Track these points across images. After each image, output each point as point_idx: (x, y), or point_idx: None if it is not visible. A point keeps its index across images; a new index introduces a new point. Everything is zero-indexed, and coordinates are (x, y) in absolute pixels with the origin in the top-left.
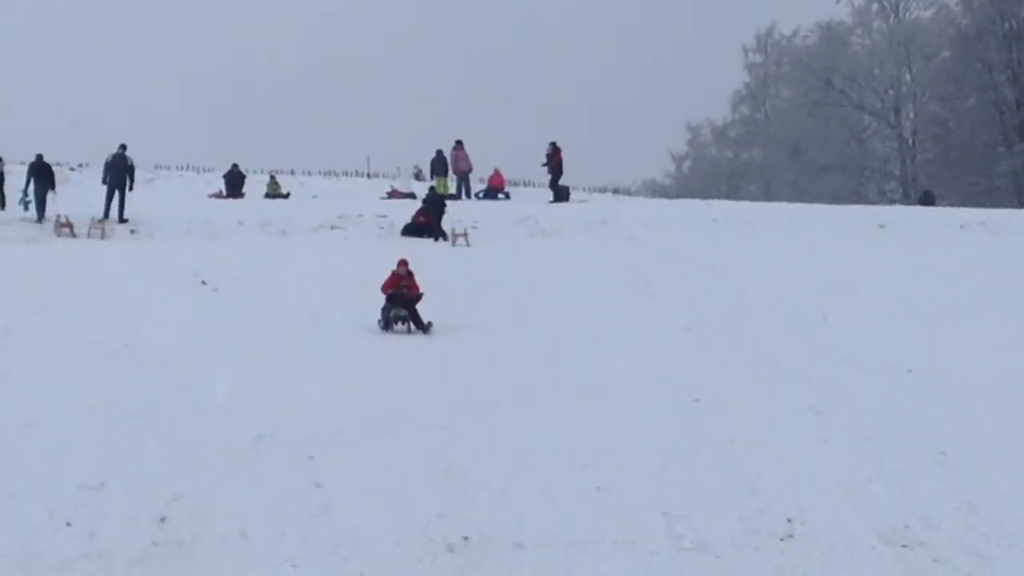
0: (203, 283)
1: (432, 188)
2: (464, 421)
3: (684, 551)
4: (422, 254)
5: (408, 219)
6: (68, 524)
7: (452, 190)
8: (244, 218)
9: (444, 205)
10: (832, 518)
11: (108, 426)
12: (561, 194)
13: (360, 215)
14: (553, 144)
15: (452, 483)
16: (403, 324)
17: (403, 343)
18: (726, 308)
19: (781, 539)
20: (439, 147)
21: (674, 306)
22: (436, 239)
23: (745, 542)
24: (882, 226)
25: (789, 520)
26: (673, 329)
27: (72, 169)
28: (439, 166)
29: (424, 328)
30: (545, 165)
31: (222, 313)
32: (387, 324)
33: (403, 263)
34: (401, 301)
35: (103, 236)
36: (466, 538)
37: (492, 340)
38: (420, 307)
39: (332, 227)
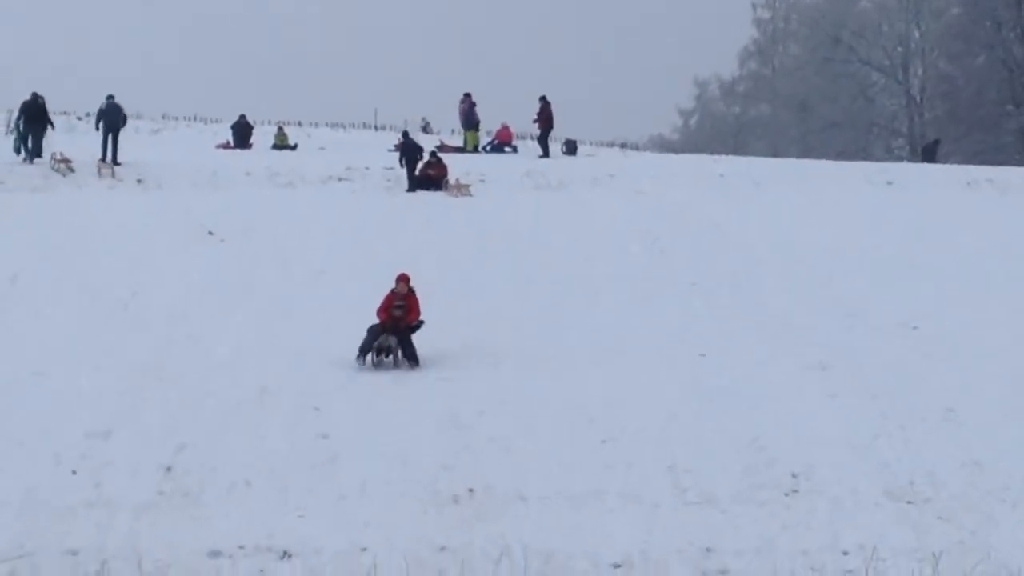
0: (210, 234)
1: (405, 133)
2: (470, 375)
3: (689, 505)
4: (427, 207)
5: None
6: (74, 473)
7: (481, 143)
8: (251, 169)
9: (419, 152)
10: (837, 474)
11: (114, 376)
12: (556, 151)
13: (367, 167)
14: (543, 98)
15: (458, 436)
16: (388, 356)
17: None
18: (732, 264)
19: (786, 494)
20: (464, 95)
21: (680, 261)
22: (410, 189)
23: (750, 496)
24: (889, 183)
25: (794, 475)
26: (679, 284)
27: (79, 119)
28: (469, 120)
29: (412, 362)
30: (536, 120)
31: (229, 264)
32: (365, 352)
33: (403, 279)
34: (392, 329)
35: (112, 175)
36: (471, 490)
37: (497, 294)
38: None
39: (340, 179)
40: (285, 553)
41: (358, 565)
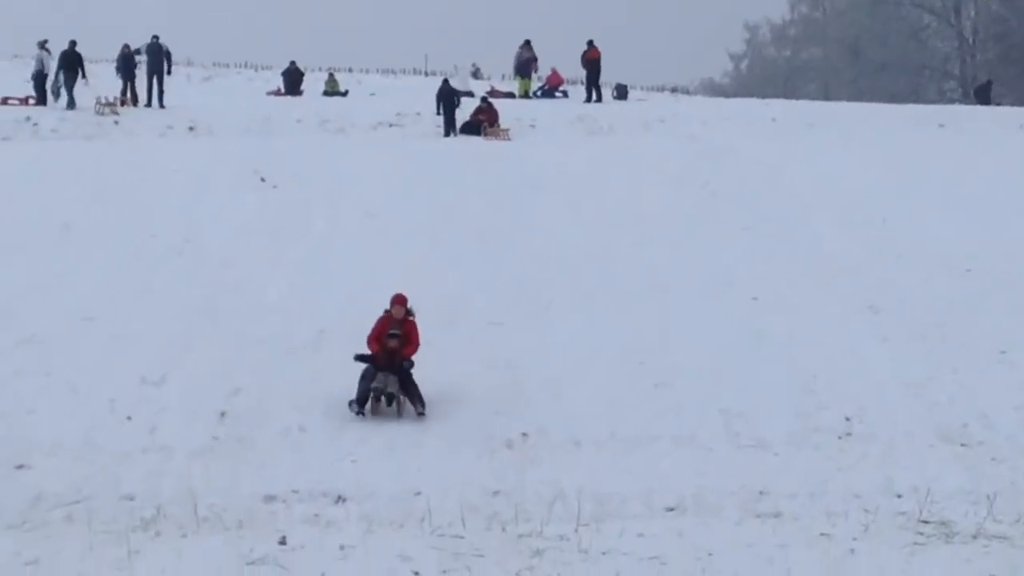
0: (262, 180)
1: (445, 80)
2: (522, 319)
3: (742, 448)
4: (474, 152)
5: (467, 117)
6: (129, 418)
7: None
8: (303, 116)
9: (456, 97)
10: (890, 416)
11: (169, 322)
12: (607, 96)
13: (418, 113)
14: (589, 42)
15: (510, 380)
16: (390, 404)
17: (459, 247)
18: (784, 207)
19: (839, 437)
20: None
21: (732, 205)
22: (446, 134)
23: (803, 440)
24: (941, 126)
25: (847, 418)
26: (731, 228)
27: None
28: (523, 67)
29: (418, 405)
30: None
31: (280, 210)
32: (363, 402)
33: (400, 300)
34: (388, 364)
35: (116, 114)
36: (524, 434)
37: (548, 239)
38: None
39: (390, 125)
40: (339, 497)
41: (412, 509)
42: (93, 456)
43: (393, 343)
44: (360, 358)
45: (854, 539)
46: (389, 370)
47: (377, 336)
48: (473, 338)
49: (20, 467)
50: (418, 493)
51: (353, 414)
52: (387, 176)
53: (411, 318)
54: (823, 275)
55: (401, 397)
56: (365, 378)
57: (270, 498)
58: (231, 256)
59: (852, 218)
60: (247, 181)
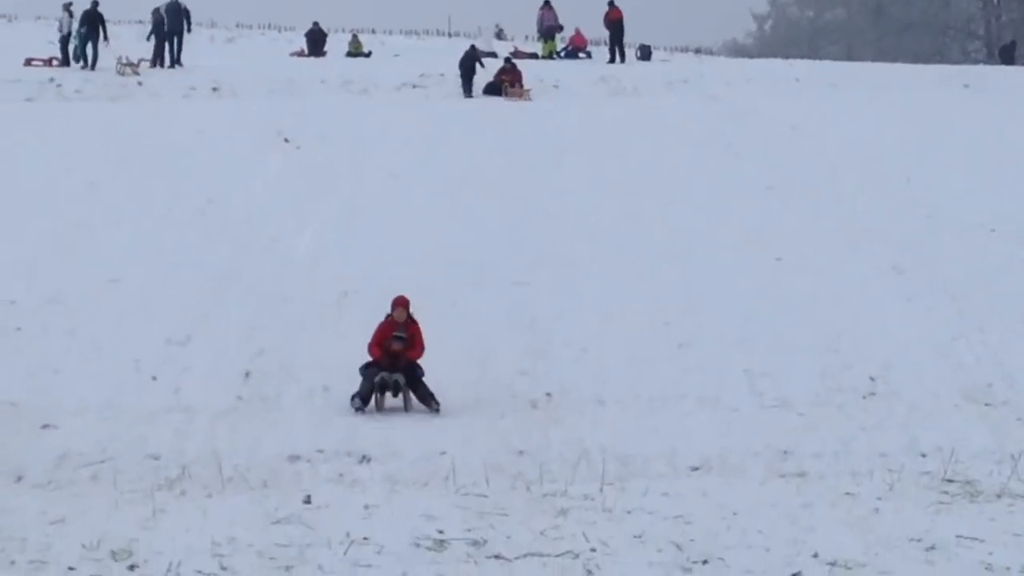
0: (286, 141)
1: (472, 46)
2: (546, 279)
3: (767, 408)
4: (500, 113)
5: (491, 78)
6: (154, 378)
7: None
8: (326, 76)
9: (475, 63)
10: (915, 377)
11: (193, 282)
12: (631, 56)
13: (441, 74)
14: (611, 3)
15: (534, 340)
16: (395, 395)
17: (483, 208)
18: (808, 167)
19: (864, 397)
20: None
21: (756, 166)
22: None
23: (828, 399)
24: (966, 86)
25: (872, 378)
26: (755, 189)
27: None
28: (548, 30)
29: (431, 405)
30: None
31: (305, 171)
32: (366, 398)
33: (401, 302)
34: (391, 367)
35: (137, 74)
36: (548, 394)
37: (572, 199)
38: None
39: (414, 86)
40: (364, 457)
41: (437, 468)
42: (118, 416)
43: (397, 346)
44: (364, 368)
45: (878, 498)
46: (394, 370)
47: (379, 342)
48: (497, 298)
49: (46, 427)
50: (443, 453)
51: (355, 410)
52: (410, 137)
53: (414, 321)
54: (847, 235)
55: (408, 393)
56: (368, 374)
57: (294, 458)
58: (255, 217)
59: (876, 178)
60: (271, 142)
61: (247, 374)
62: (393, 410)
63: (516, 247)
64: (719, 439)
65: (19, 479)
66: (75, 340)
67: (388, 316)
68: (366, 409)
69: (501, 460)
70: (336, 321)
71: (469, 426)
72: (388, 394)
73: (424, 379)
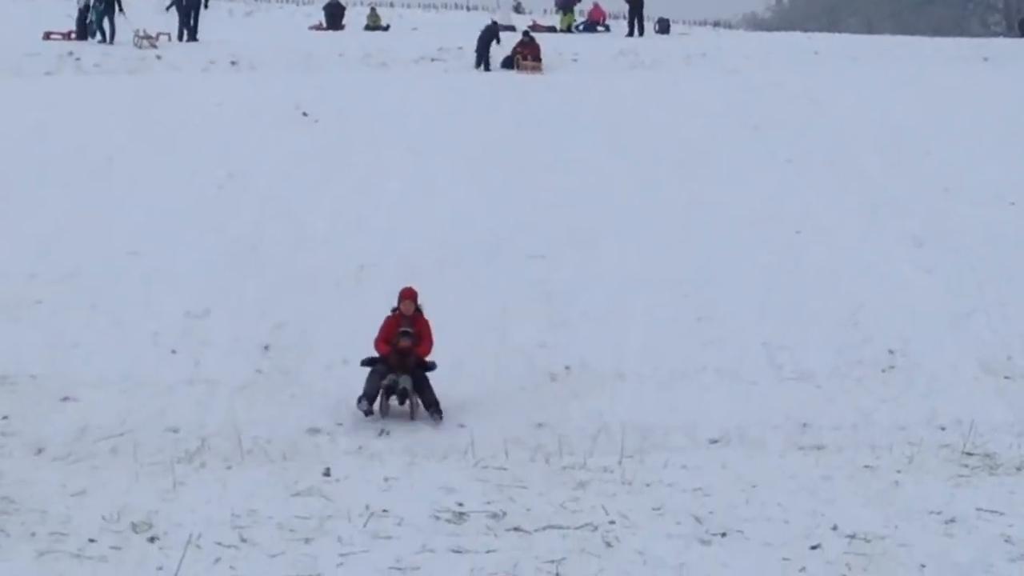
0: (304, 115)
1: (493, 21)
2: (564, 251)
3: (785, 381)
4: (518, 86)
5: (508, 52)
6: (173, 352)
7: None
8: (344, 50)
9: (495, 35)
10: (934, 349)
11: (212, 255)
12: (649, 30)
13: (460, 47)
14: None
15: (553, 313)
16: (400, 402)
17: (501, 181)
18: (828, 140)
19: (883, 370)
20: None
21: (775, 139)
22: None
23: (846, 372)
24: (985, 59)
25: (891, 351)
26: (774, 161)
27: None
28: (566, 3)
29: (434, 413)
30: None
31: (323, 144)
32: (372, 399)
33: (409, 295)
34: (399, 364)
35: (155, 47)
36: (567, 367)
37: (591, 172)
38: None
39: (432, 59)
40: (383, 430)
41: (456, 441)
42: (137, 389)
43: (406, 342)
44: (367, 362)
45: (898, 471)
46: (402, 371)
47: (386, 338)
48: (515, 271)
49: (65, 399)
50: (462, 425)
51: (362, 412)
52: (429, 111)
53: (422, 314)
54: (867, 208)
55: (414, 399)
56: (374, 374)
57: (314, 431)
58: (274, 190)
59: (896, 151)
60: (289, 116)
61: (266, 347)
62: (397, 414)
63: (535, 220)
64: (738, 412)
65: (39, 452)
66: (95, 313)
67: (395, 309)
68: (372, 410)
69: (520, 433)
70: (355, 294)
71: (488, 399)
72: (395, 400)
73: (432, 376)
